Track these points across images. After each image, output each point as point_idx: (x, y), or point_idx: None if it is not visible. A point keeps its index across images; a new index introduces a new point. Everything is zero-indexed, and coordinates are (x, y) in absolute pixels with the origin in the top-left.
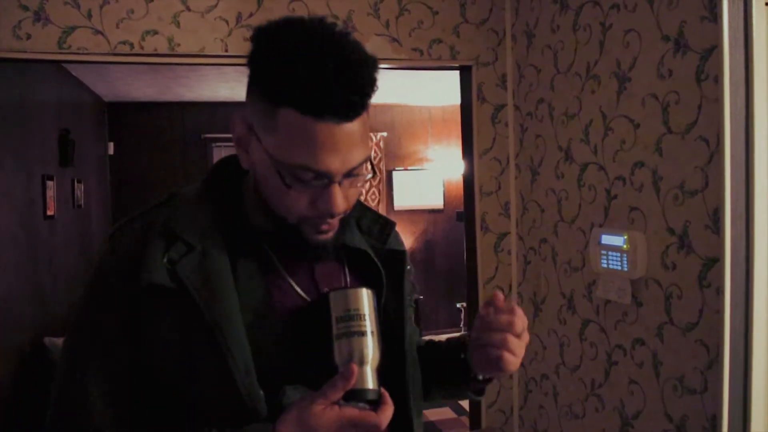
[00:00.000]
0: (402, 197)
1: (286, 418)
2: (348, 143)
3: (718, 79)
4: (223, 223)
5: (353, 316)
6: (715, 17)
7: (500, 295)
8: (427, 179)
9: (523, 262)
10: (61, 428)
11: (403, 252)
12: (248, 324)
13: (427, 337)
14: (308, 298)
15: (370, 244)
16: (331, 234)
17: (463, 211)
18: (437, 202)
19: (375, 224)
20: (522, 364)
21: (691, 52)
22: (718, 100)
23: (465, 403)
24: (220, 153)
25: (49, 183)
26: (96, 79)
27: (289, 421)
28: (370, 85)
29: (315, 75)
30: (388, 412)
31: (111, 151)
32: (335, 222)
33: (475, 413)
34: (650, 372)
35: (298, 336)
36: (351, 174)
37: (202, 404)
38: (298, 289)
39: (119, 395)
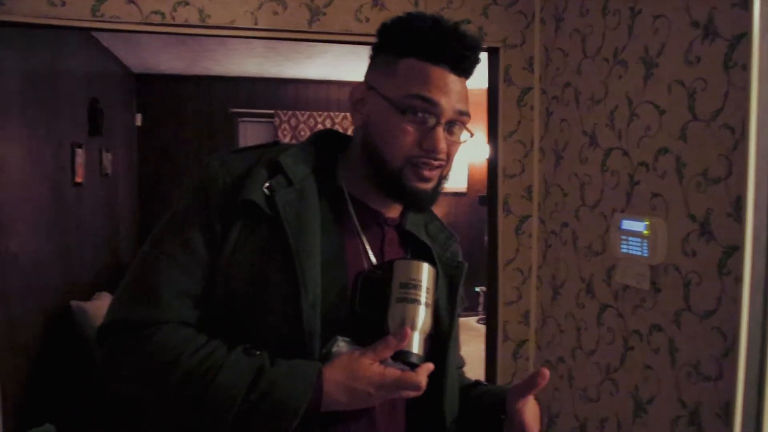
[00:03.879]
0: None
1: (334, 363)
2: (456, 91)
3: (746, 67)
4: (318, 177)
5: (413, 285)
6: (746, 4)
7: (546, 373)
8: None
9: (543, 246)
10: (126, 311)
11: (463, 264)
12: (321, 268)
13: None
14: (375, 262)
15: (433, 248)
16: (429, 186)
17: (486, 193)
18: (461, 186)
19: (440, 233)
20: (538, 347)
21: (719, 38)
22: (745, 88)
23: None
24: (245, 127)
25: (78, 151)
26: (126, 50)
27: (337, 367)
28: (477, 50)
29: (433, 30)
30: (425, 376)
31: (138, 123)
32: (435, 173)
33: None
34: (666, 358)
35: (359, 293)
36: (454, 122)
37: (262, 328)
38: (370, 252)
39: (188, 293)
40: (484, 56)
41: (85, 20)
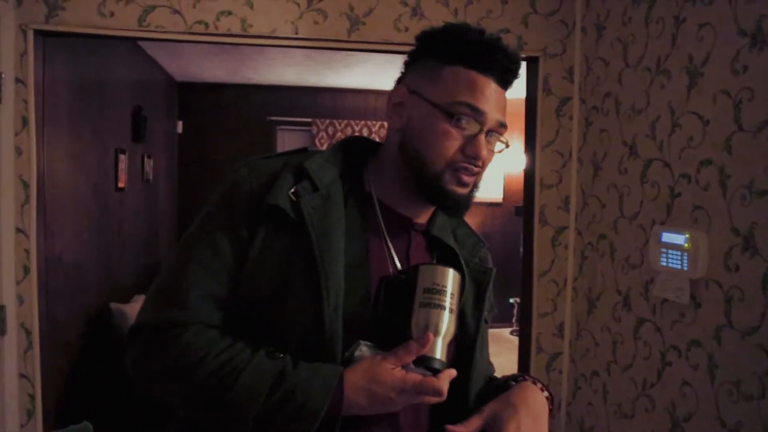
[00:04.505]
0: None
1: (356, 367)
2: (497, 101)
3: None
4: (345, 182)
5: (438, 290)
6: None
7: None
8: (488, 173)
9: (580, 257)
10: (155, 313)
11: (491, 269)
12: (344, 272)
13: None
14: (400, 266)
15: (461, 253)
16: (466, 191)
17: (523, 203)
18: (496, 196)
19: (468, 238)
20: (572, 360)
21: None
22: None
23: None
24: (283, 135)
25: (122, 157)
26: (169, 59)
27: (358, 371)
28: (518, 65)
29: (481, 40)
30: (447, 383)
31: (179, 130)
32: (472, 180)
33: None
34: (705, 375)
35: (383, 298)
36: (494, 132)
37: (285, 331)
38: (395, 257)
39: (215, 296)
40: (522, 68)
41: (132, 30)
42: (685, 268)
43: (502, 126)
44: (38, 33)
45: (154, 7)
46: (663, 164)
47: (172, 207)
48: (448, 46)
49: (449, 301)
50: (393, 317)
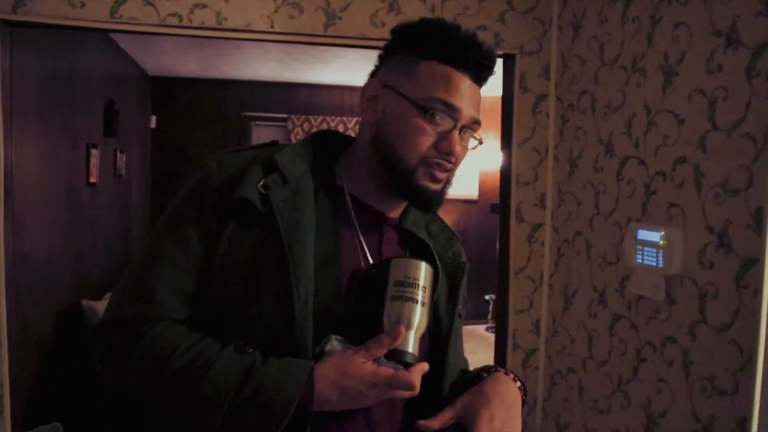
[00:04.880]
0: None
1: (326, 361)
2: (473, 99)
3: None
4: (315, 176)
5: (410, 283)
6: None
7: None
8: (463, 169)
9: (556, 254)
10: (121, 309)
11: (465, 263)
12: (315, 266)
13: None
14: (371, 261)
15: (434, 247)
16: (439, 187)
17: (499, 200)
18: (472, 193)
19: (442, 232)
20: (548, 356)
21: (743, 47)
22: None
23: None
24: (258, 131)
25: (93, 151)
26: (142, 53)
27: (329, 366)
28: (493, 62)
29: (457, 36)
30: (419, 376)
31: (153, 125)
32: (445, 176)
33: None
34: (680, 371)
35: (354, 292)
36: (468, 128)
37: (255, 325)
38: (367, 251)
39: (183, 291)
40: (499, 65)
41: (103, 21)
42: (661, 265)
43: (476, 123)
44: (4, 23)
45: None
46: (639, 162)
47: (145, 202)
48: (423, 40)
49: (421, 294)
50: (364, 311)
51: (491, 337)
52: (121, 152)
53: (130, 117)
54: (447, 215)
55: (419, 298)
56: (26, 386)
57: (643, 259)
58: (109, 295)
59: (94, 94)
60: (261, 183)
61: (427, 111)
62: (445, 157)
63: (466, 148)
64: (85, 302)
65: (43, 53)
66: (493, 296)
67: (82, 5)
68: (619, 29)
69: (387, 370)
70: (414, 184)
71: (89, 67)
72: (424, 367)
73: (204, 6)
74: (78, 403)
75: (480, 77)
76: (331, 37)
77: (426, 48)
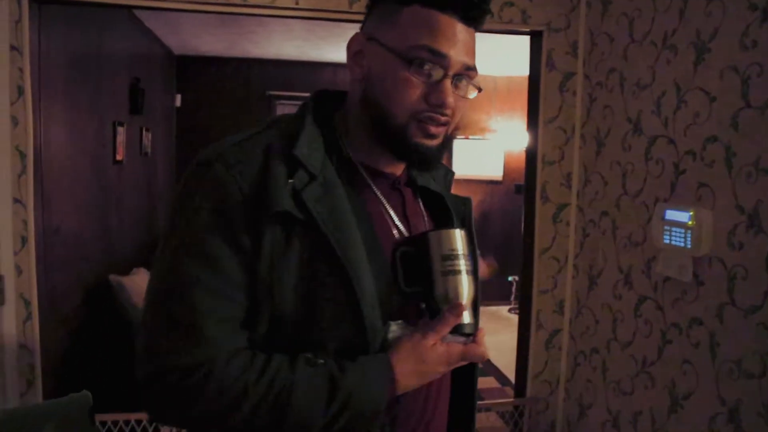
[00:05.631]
0: (461, 166)
1: (400, 352)
2: (464, 42)
3: None
4: (331, 156)
5: (453, 255)
6: None
7: None
8: (488, 150)
9: (581, 235)
10: (171, 356)
11: (469, 198)
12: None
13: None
14: (406, 234)
15: (447, 198)
16: (435, 143)
17: (524, 180)
18: (496, 173)
19: (439, 170)
20: (572, 337)
21: None
22: None
23: (510, 373)
24: (282, 110)
25: (120, 129)
26: (168, 32)
27: (404, 357)
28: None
29: None
30: (484, 342)
31: (178, 103)
32: (441, 130)
33: (520, 383)
34: (706, 353)
35: (402, 273)
36: (461, 76)
37: (322, 338)
38: (398, 223)
39: (230, 318)
40: (525, 42)
41: None
42: (689, 246)
43: (470, 69)
44: (33, 0)
45: None
46: (668, 141)
47: (170, 180)
48: None
49: (464, 263)
50: (413, 291)
51: (514, 318)
52: (146, 130)
53: (155, 95)
54: (472, 196)
55: (464, 267)
56: (56, 356)
57: (670, 240)
58: (135, 270)
59: (121, 73)
60: (290, 186)
61: (412, 61)
62: (438, 109)
63: (464, 98)
64: (112, 277)
65: (71, 32)
66: (516, 277)
67: None
68: (649, 5)
69: (457, 347)
70: (407, 142)
71: (115, 45)
72: (484, 332)
73: None
74: (106, 374)
75: (470, 18)
76: (357, 13)
77: None
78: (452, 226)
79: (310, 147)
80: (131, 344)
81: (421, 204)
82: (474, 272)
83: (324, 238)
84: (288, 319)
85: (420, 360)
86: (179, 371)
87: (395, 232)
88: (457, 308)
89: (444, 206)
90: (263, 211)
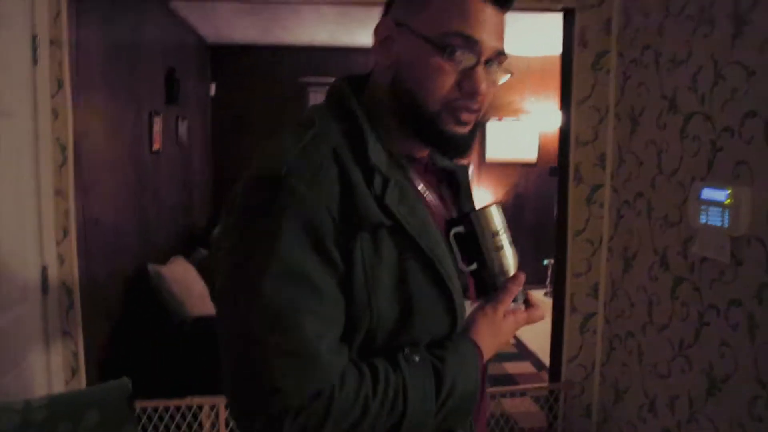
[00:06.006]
0: (494, 149)
1: (478, 330)
2: (495, 25)
3: None
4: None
5: (499, 231)
6: None
7: None
8: (522, 132)
9: (615, 216)
10: (299, 392)
11: (466, 166)
12: None
13: None
14: (451, 216)
15: (456, 169)
16: (467, 129)
17: (558, 161)
18: (530, 156)
19: None
20: (607, 321)
21: None
22: None
23: (546, 357)
24: (316, 97)
25: (156, 119)
26: (201, 21)
27: (484, 333)
28: None
29: None
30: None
31: (212, 92)
32: (472, 117)
33: (555, 366)
34: (745, 335)
35: (459, 254)
36: (494, 61)
37: (414, 334)
38: (443, 209)
39: (338, 339)
40: (558, 21)
41: None
42: (726, 226)
43: (501, 54)
44: None
45: None
46: (704, 118)
47: (206, 168)
48: None
49: (506, 236)
50: (470, 268)
51: (550, 302)
52: (182, 119)
53: (190, 85)
54: (505, 178)
55: (508, 240)
56: (98, 344)
57: (707, 220)
58: (173, 259)
59: (156, 63)
60: (374, 194)
61: (445, 48)
62: (471, 97)
63: (495, 83)
64: (150, 266)
65: (107, 24)
66: (552, 261)
67: None
68: None
69: (522, 313)
70: (440, 130)
71: (151, 36)
72: (523, 276)
73: None
74: (145, 361)
75: (501, 1)
76: None
77: None
78: (489, 204)
79: (376, 147)
80: (169, 332)
81: (448, 185)
82: (512, 242)
83: (410, 238)
84: (385, 326)
85: (497, 332)
86: (305, 403)
87: (438, 213)
88: (518, 278)
89: (452, 180)
90: (353, 225)
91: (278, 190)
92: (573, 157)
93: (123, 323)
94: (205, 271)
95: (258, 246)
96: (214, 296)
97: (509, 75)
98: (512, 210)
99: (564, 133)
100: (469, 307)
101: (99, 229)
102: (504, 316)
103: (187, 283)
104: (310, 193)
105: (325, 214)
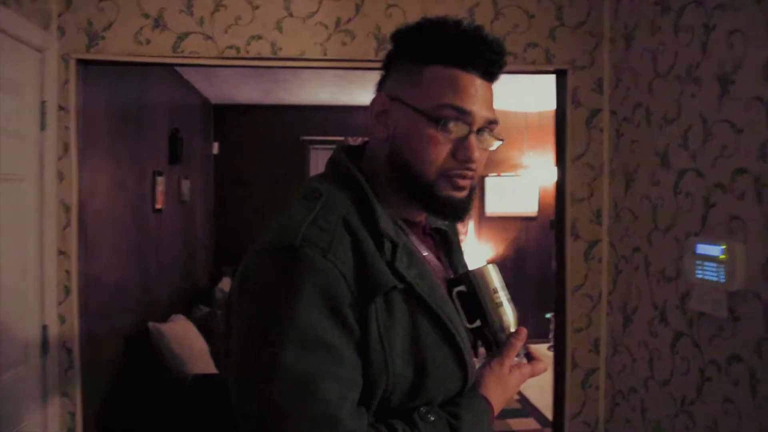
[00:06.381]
0: (494, 203)
1: (487, 386)
2: (484, 96)
3: None
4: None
5: (498, 288)
6: None
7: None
8: (521, 186)
9: (614, 271)
10: None
11: (455, 225)
12: None
13: None
14: (449, 275)
15: (448, 229)
16: (464, 194)
17: (555, 217)
18: (531, 210)
19: None
20: (609, 376)
21: None
22: None
23: (549, 413)
24: (317, 154)
25: (159, 179)
26: (205, 83)
27: (493, 389)
28: (503, 54)
29: (459, 34)
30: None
31: (215, 151)
32: (467, 183)
33: (558, 423)
34: (747, 391)
35: (462, 311)
36: (485, 130)
37: (429, 393)
38: (442, 269)
39: (356, 401)
40: (551, 81)
41: (167, 56)
42: (722, 281)
43: (491, 123)
44: (80, 62)
45: (187, 34)
46: (696, 174)
47: (208, 225)
48: (423, 44)
49: (504, 293)
50: (474, 326)
51: (552, 356)
52: (185, 178)
53: (193, 144)
54: (505, 232)
55: (506, 297)
56: (97, 404)
57: (703, 275)
58: (173, 317)
59: (160, 124)
60: (385, 260)
61: (438, 120)
62: (465, 165)
63: (486, 150)
64: (151, 324)
65: (113, 87)
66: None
67: (148, 42)
68: (672, 39)
69: (526, 366)
70: (437, 196)
71: (155, 98)
72: (526, 331)
73: (260, 37)
74: (145, 421)
75: (489, 73)
76: (382, 61)
77: (427, 52)
78: (486, 263)
79: (383, 216)
80: (169, 390)
81: (441, 246)
82: (510, 298)
83: (421, 299)
84: (401, 386)
85: (504, 387)
86: None
87: (441, 275)
88: (520, 333)
89: (445, 239)
90: (368, 290)
91: (294, 260)
92: (569, 213)
93: (123, 382)
94: (205, 328)
95: (276, 316)
96: (228, 368)
97: (501, 142)
98: (513, 263)
99: (560, 189)
100: (475, 364)
101: (100, 288)
102: (510, 370)
103: (187, 341)
104: (325, 262)
105: (340, 281)
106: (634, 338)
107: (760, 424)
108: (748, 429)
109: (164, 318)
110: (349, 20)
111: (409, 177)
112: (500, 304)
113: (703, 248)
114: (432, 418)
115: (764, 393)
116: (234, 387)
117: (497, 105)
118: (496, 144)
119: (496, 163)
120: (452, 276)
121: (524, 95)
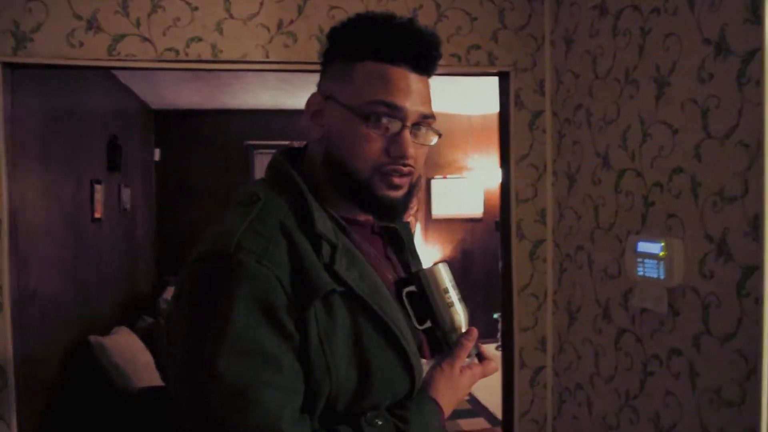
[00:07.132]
0: (440, 206)
1: (437, 388)
2: (418, 91)
3: (760, 83)
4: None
5: (448, 288)
6: (758, 19)
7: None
8: (467, 188)
9: (558, 270)
10: None
11: (408, 223)
12: None
13: None
14: (398, 276)
15: (399, 227)
16: (401, 193)
17: (500, 218)
18: (476, 211)
19: None
20: (556, 374)
21: (732, 55)
22: (760, 104)
23: (498, 412)
24: (261, 159)
25: (97, 187)
26: (144, 87)
27: (443, 391)
28: (436, 46)
29: (387, 29)
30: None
31: (157, 157)
32: (405, 180)
33: (507, 422)
34: (687, 383)
35: (412, 312)
36: (420, 125)
37: (374, 397)
38: (392, 269)
39: (298, 408)
40: (494, 82)
41: (102, 59)
42: (662, 277)
43: (427, 117)
44: (6, 65)
45: (123, 36)
46: (636, 174)
47: (151, 234)
48: (352, 41)
49: (455, 292)
50: (424, 327)
51: (500, 355)
52: (125, 186)
53: (133, 151)
54: (451, 234)
55: (457, 296)
56: (35, 424)
57: (644, 272)
58: (116, 329)
59: (98, 130)
60: (323, 262)
61: (369, 117)
62: (399, 161)
63: (424, 145)
64: (93, 338)
65: (46, 92)
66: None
67: (81, 44)
68: (610, 42)
69: (477, 367)
70: (372, 194)
71: (92, 103)
72: (476, 332)
73: (200, 39)
74: None
75: (421, 66)
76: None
77: (356, 48)
78: (436, 262)
79: (321, 217)
80: (114, 406)
81: (391, 244)
82: (462, 298)
83: (362, 301)
84: (345, 390)
85: (455, 388)
86: None
87: (389, 275)
88: (471, 333)
89: (396, 238)
90: (305, 295)
91: (229, 268)
92: (514, 214)
93: (63, 400)
94: (150, 340)
95: (211, 325)
96: (169, 379)
97: (439, 136)
98: (460, 265)
99: (505, 190)
100: (425, 365)
101: (36, 303)
102: (460, 371)
103: (131, 354)
104: (260, 268)
105: (276, 286)
106: (579, 335)
107: (700, 415)
108: (688, 420)
109: (106, 331)
110: (291, 22)
111: (344, 176)
112: (451, 304)
113: (643, 246)
114: (379, 423)
115: (703, 385)
116: (174, 399)
117: (442, 107)
118: (434, 139)
119: (441, 166)
120: (402, 276)
121: (467, 98)
